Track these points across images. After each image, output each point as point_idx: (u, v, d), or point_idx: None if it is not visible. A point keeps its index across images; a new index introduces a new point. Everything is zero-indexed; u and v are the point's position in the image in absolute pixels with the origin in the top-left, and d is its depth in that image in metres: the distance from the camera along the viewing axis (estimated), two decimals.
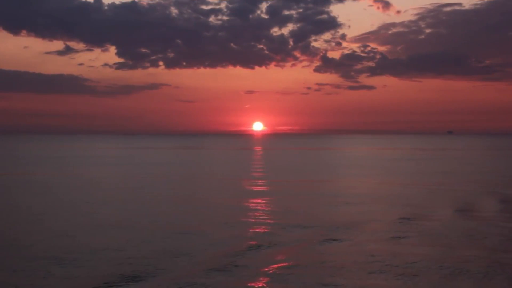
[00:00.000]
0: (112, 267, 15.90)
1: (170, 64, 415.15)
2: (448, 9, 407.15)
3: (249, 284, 14.25)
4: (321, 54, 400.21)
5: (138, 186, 40.96)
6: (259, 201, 31.79)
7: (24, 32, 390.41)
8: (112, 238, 20.34)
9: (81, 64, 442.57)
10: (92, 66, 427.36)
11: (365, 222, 23.95)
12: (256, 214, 26.59)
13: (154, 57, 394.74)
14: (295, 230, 22.03)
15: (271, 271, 15.48)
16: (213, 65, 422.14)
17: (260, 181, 45.19)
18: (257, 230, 22.19)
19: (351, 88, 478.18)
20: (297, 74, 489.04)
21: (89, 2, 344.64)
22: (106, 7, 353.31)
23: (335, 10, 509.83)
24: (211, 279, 14.64)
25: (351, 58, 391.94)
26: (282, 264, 16.29)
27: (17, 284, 14.24)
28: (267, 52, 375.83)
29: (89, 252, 17.76)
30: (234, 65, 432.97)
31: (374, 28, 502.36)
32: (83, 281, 14.54)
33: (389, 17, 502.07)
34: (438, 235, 20.95)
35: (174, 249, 18.35)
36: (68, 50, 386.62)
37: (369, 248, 18.48)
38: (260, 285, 14.20)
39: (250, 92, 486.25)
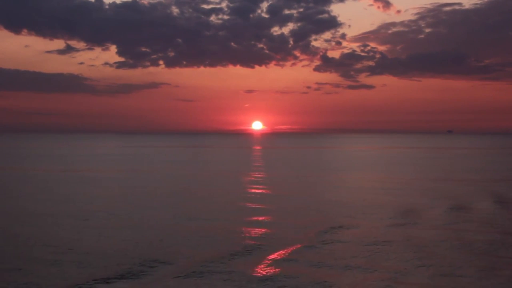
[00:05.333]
0: (128, 255, 16.80)
1: (171, 63, 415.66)
2: (448, 8, 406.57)
3: (263, 266, 15.06)
4: (321, 53, 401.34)
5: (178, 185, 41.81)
6: (280, 193, 32.69)
7: (25, 31, 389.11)
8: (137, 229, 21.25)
9: (81, 63, 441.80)
10: (92, 65, 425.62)
11: (372, 212, 24.83)
12: (275, 204, 27.50)
13: (155, 56, 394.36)
14: (307, 216, 22.91)
15: (283, 255, 16.29)
16: (213, 64, 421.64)
17: (276, 176, 45.98)
18: (272, 218, 23.10)
19: (350, 87, 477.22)
20: (297, 74, 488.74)
21: (90, 1, 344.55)
22: (107, 6, 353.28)
23: (335, 9, 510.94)
24: (231, 262, 15.50)
25: (351, 57, 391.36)
26: (296, 247, 17.09)
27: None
28: (267, 52, 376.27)
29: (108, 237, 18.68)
30: (234, 64, 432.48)
31: (374, 27, 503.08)
32: (101, 264, 15.42)
33: (389, 16, 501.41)
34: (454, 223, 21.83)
35: (193, 236, 19.24)
36: (68, 49, 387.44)
37: (381, 233, 19.35)
38: (275, 269, 14.99)
39: (250, 91, 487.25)
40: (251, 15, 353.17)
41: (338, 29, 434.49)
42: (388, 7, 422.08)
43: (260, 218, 23.17)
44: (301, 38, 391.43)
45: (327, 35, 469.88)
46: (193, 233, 19.73)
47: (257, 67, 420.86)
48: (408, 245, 17.63)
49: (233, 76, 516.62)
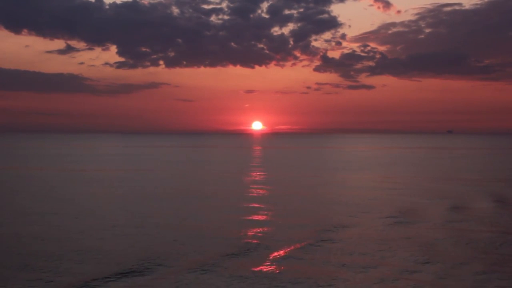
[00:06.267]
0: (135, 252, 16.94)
1: (171, 63, 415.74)
2: (448, 9, 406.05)
3: (267, 264, 15.19)
4: (321, 53, 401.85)
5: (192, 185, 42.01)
6: (281, 192, 32.84)
7: (25, 31, 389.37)
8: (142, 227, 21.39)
9: (81, 63, 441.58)
10: (92, 65, 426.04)
11: (374, 211, 24.96)
12: (277, 203, 27.64)
13: (155, 56, 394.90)
14: (309, 215, 23.04)
15: (287, 253, 16.40)
16: (213, 64, 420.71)
17: (277, 176, 46.12)
18: (275, 217, 23.23)
19: (350, 87, 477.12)
20: (297, 74, 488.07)
21: (90, 1, 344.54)
22: (107, 6, 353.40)
23: (335, 9, 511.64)
24: (234, 260, 15.64)
25: (351, 57, 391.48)
26: (299, 245, 17.19)
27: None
28: (267, 52, 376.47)
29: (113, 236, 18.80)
30: (234, 64, 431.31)
31: (374, 27, 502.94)
32: (112, 261, 15.55)
33: (389, 16, 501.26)
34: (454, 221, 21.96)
35: (197, 235, 19.37)
36: (69, 49, 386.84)
37: (384, 231, 19.47)
38: (279, 267, 15.10)
39: (250, 91, 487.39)
40: (251, 15, 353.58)
41: (338, 29, 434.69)
42: (388, 7, 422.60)
43: (263, 217, 23.29)
44: (301, 38, 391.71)
45: (327, 35, 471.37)
46: (196, 231, 19.83)
47: (257, 67, 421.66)
48: (411, 243, 17.75)
49: (233, 76, 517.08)
